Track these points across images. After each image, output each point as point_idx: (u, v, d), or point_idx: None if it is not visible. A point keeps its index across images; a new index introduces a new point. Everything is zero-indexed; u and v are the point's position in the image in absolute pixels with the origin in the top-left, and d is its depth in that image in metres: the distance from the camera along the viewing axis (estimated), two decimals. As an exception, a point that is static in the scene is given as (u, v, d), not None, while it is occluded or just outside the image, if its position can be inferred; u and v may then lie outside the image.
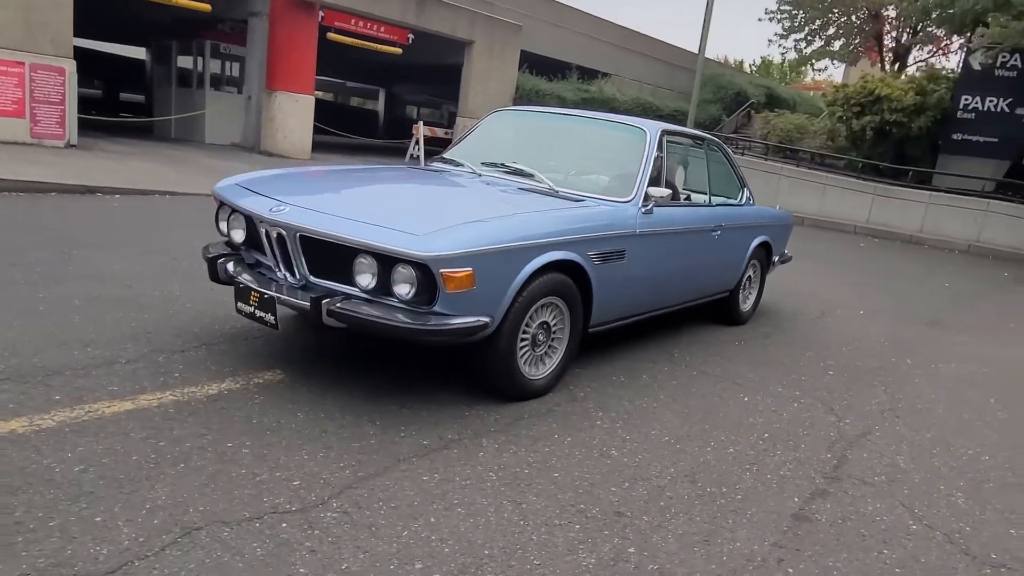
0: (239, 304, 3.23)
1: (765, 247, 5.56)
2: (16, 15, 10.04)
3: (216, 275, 3.40)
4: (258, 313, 3.14)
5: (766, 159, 17.30)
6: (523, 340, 3.31)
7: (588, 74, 21.38)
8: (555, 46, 20.37)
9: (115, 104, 24.31)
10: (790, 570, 2.32)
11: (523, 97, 18.21)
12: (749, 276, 5.47)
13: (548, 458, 2.89)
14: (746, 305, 5.54)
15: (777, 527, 2.58)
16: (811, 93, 35.63)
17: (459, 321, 2.95)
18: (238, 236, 3.51)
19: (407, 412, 3.13)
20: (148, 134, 15.63)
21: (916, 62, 24.07)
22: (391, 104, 36.38)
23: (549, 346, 3.51)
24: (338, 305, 2.94)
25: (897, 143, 15.91)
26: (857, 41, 23.45)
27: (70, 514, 2.12)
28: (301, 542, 2.13)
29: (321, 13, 14.38)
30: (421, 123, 17.34)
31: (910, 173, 15.46)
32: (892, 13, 21.84)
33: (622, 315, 4.06)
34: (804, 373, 4.52)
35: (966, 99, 15.82)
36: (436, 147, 17.89)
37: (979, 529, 2.76)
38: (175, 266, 5.13)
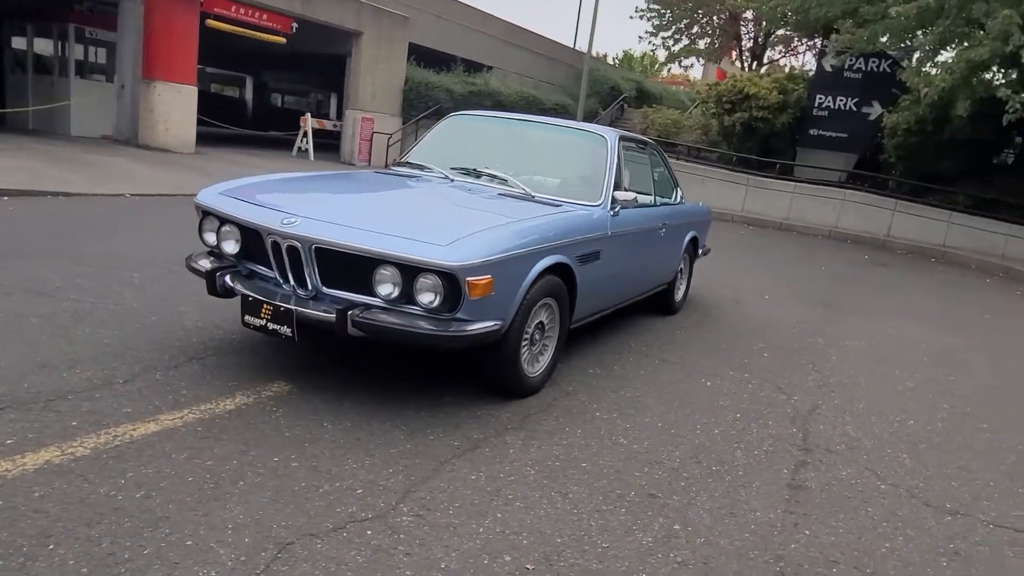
0: (247, 318, 3.20)
1: (694, 241, 6.04)
2: None
3: (214, 289, 3.34)
4: (271, 326, 3.14)
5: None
6: (524, 340, 3.50)
7: (473, 67, 21.54)
8: (440, 39, 20.38)
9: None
10: (807, 531, 2.68)
11: (412, 89, 18.13)
12: (682, 268, 5.92)
13: (570, 450, 3.11)
14: (679, 295, 6.00)
15: (780, 496, 2.94)
16: (674, 87, 37.76)
17: (477, 326, 3.10)
18: (230, 248, 3.47)
19: (425, 416, 3.24)
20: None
21: (769, 61, 26.11)
22: (260, 92, 34.87)
23: (543, 344, 3.72)
24: (362, 315, 3.01)
25: (763, 138, 17.29)
26: (720, 41, 25.07)
27: (158, 540, 2.11)
28: (393, 547, 2.23)
29: (201, -2, 13.67)
30: (309, 115, 17.03)
31: (777, 166, 16.86)
32: (750, 15, 23.52)
33: (594, 311, 4.34)
34: (745, 356, 5.00)
35: (820, 98, 17.42)
36: (324, 140, 17.54)
37: (930, 484, 3.27)
38: (114, 275, 4.87)
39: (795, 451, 3.45)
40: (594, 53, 35.34)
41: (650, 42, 26.05)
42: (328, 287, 3.18)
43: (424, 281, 3.01)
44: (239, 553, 2.10)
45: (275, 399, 3.21)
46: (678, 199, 5.77)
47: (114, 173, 9.93)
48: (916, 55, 14.97)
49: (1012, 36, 11.83)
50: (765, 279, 8.57)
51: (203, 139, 14.98)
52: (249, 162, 14.22)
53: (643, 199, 5.28)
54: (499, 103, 20.74)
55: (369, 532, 2.29)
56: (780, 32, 23.40)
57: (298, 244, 3.12)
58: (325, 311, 3.06)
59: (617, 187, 4.37)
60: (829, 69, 17.21)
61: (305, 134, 16.82)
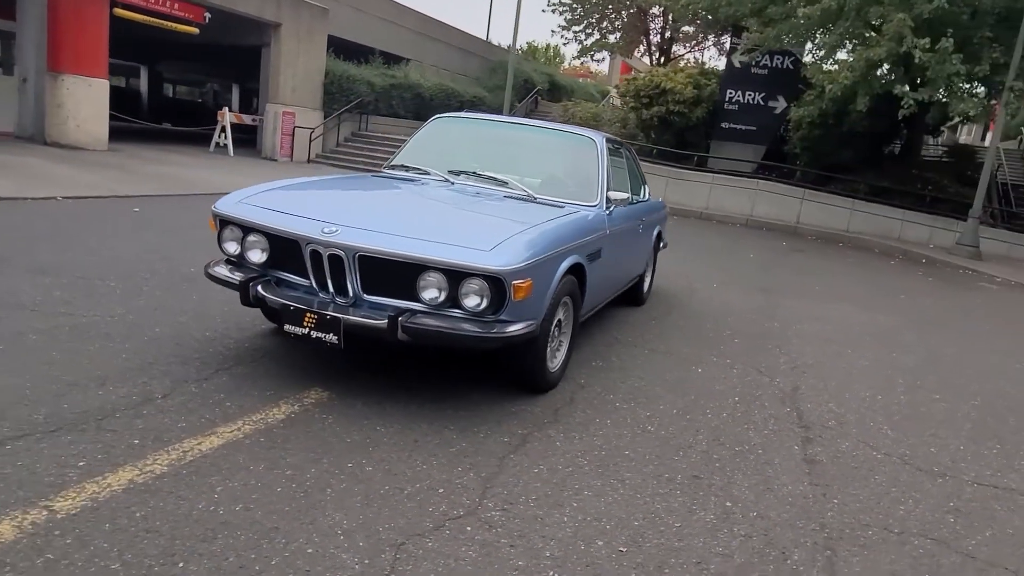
0: (288, 326, 3.22)
1: (659, 235, 6.37)
2: None
3: (247, 299, 3.33)
4: (315, 334, 3.18)
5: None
6: (549, 338, 3.67)
7: (391, 59, 21.34)
8: (358, 31, 20.06)
9: None
10: (835, 500, 3.00)
11: (333, 83, 17.79)
12: (649, 261, 6.24)
13: (609, 440, 3.32)
14: (646, 287, 6.31)
15: (801, 470, 3.26)
16: (581, 80, 38.58)
17: (517, 327, 3.25)
18: (257, 257, 3.47)
19: (466, 414, 3.37)
20: None
21: (675, 56, 27.12)
22: (156, 84, 33.14)
23: (559, 341, 3.91)
24: (411, 321, 3.11)
25: (679, 131, 18.03)
26: (629, 36, 25.83)
27: (279, 550, 2.17)
28: (496, 540, 2.38)
29: (111, -13, 12.94)
30: (227, 109, 16.45)
31: (695, 158, 17.64)
32: (657, 10, 24.34)
33: (594, 306, 4.56)
34: (720, 343, 5.36)
35: (730, 93, 18.33)
36: (243, 135, 16.94)
37: (914, 451, 3.68)
38: (91, 286, 4.69)
39: (796, 428, 3.79)
40: (504, 45, 35.63)
41: (563, 36, 26.49)
42: (367, 294, 3.25)
43: (470, 285, 3.13)
44: (360, 556, 2.19)
45: (319, 406, 3.25)
46: (646, 195, 6.07)
47: (35, 175, 9.33)
48: (819, 53, 16.02)
49: (905, 38, 12.89)
50: (704, 267, 9.06)
51: (114, 135, 14.20)
52: (170, 159, 13.63)
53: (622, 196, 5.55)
54: (419, 96, 20.71)
55: (469, 528, 2.42)
56: (687, 28, 24.35)
57: (341, 253, 3.17)
58: (375, 318, 3.13)
59: (609, 187, 4.60)
60: (738, 65, 18.12)
61: (223, 129, 16.22)
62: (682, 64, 24.01)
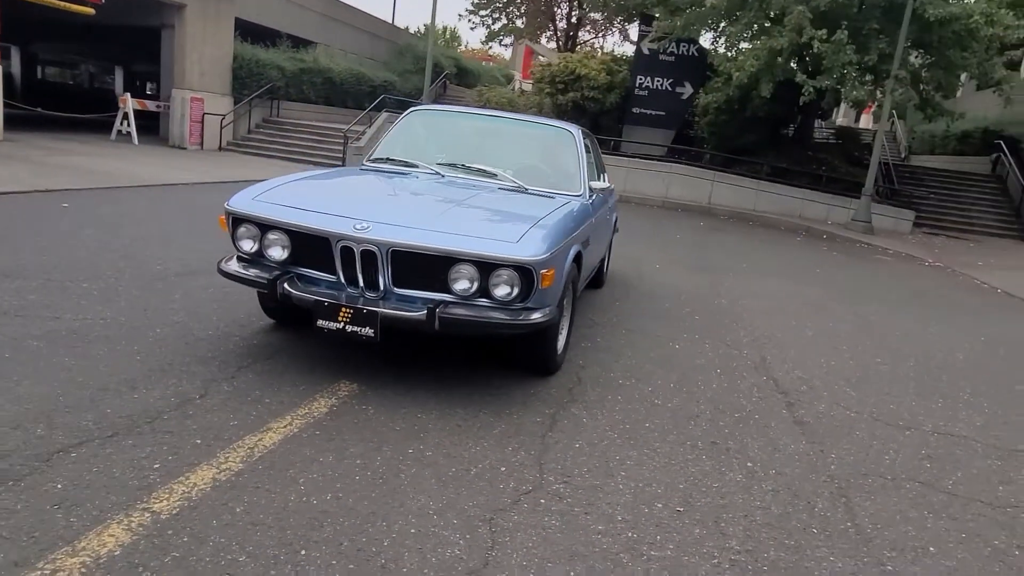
0: (322, 321, 3.28)
1: (616, 220, 6.69)
2: None
3: (275, 296, 3.36)
4: (350, 328, 3.26)
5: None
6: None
7: (298, 43, 20.76)
8: (265, 13, 19.38)
9: None
10: (832, 455, 3.39)
11: (243, 67, 17.15)
12: (609, 245, 6.56)
13: (627, 415, 3.58)
14: (605, 269, 6.63)
15: (795, 431, 3.64)
16: (485, 64, 38.67)
17: (540, 313, 3.44)
18: (278, 254, 3.49)
19: (492, 398, 3.54)
20: None
21: (580, 43, 27.73)
22: (29, 66, 30.70)
23: (561, 325, 4.13)
24: (446, 311, 3.25)
25: (594, 116, 18.55)
26: (535, 22, 26.17)
27: (386, 533, 2.30)
28: (570, 509, 2.59)
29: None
30: (128, 95, 15.59)
31: (611, 143, 18.20)
32: (563, -3, 24.85)
33: (580, 291, 4.81)
34: (683, 320, 5.74)
35: (640, 79, 19.00)
36: (143, 121, 16.08)
37: (879, 408, 4.15)
38: (64, 288, 4.51)
39: (777, 395, 4.19)
40: (411, 29, 35.23)
41: (470, 20, 26.52)
42: (397, 287, 3.36)
43: (501, 276, 3.30)
44: (460, 533, 2.35)
45: (355, 398, 3.34)
46: (606, 182, 6.35)
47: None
48: (723, 42, 16.87)
49: (805, 29, 13.82)
50: (640, 249, 9.50)
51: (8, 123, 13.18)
52: (73, 149, 12.81)
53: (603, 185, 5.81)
54: (330, 80, 20.30)
55: (543, 501, 2.62)
56: (595, 15, 24.92)
57: (375, 248, 3.26)
58: (411, 310, 3.24)
59: (589, 177, 4.84)
60: (646, 52, 18.80)
61: (125, 116, 15.35)
62: (586, 50, 24.61)
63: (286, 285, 3.37)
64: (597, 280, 6.37)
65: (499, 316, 3.32)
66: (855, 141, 20.73)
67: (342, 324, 3.26)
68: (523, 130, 5.16)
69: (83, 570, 1.95)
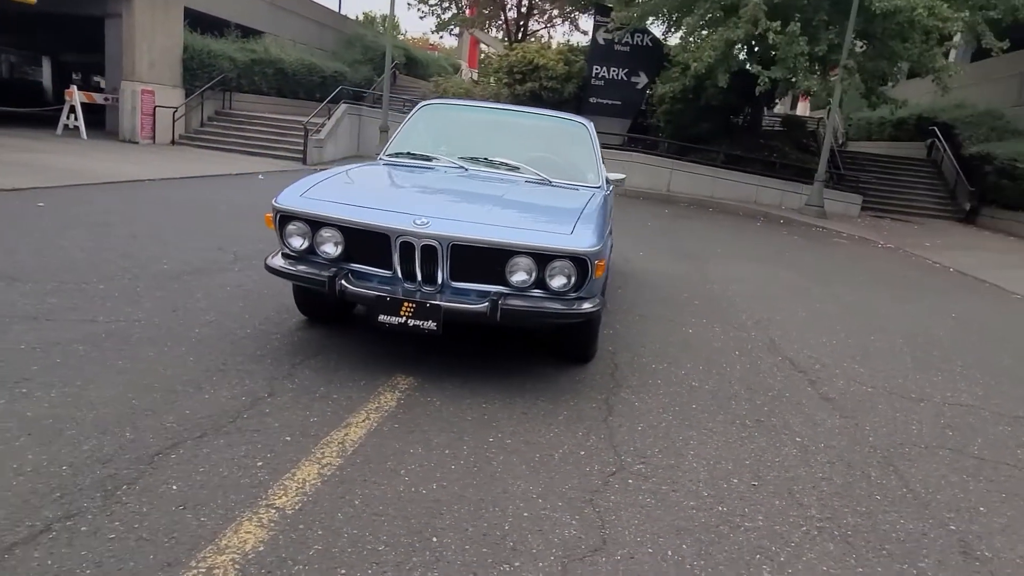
0: (382, 317, 3.31)
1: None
2: None
3: (334, 293, 3.38)
4: (412, 323, 3.30)
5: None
6: (596, 311, 4.02)
7: (247, 32, 20.22)
8: (214, 2, 18.77)
9: None
10: (866, 428, 3.62)
11: (193, 58, 16.64)
12: (605, 235, 6.70)
13: (672, 397, 3.74)
14: (602, 259, 6.78)
15: (826, 407, 3.87)
16: (433, 54, 38.37)
17: (591, 303, 3.56)
18: (331, 250, 3.51)
19: (544, 386, 3.65)
20: None
21: (530, 32, 27.81)
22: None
23: (596, 313, 4.26)
24: (506, 303, 3.33)
25: (553, 106, 18.68)
26: (485, 11, 26.12)
27: (500, 517, 2.39)
28: (658, 487, 2.73)
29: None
30: (75, 88, 14.98)
31: (571, 132, 18.40)
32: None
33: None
34: (685, 305, 5.95)
35: (596, 69, 19.24)
36: (92, 115, 15.46)
37: (890, 383, 4.43)
38: (80, 291, 4.40)
39: (797, 373, 4.42)
40: (357, 16, 34.59)
41: (419, 9, 26.27)
42: (453, 280, 3.43)
43: (558, 267, 3.40)
44: (570, 514, 2.46)
45: (417, 391, 3.40)
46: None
47: None
48: (679, 32, 17.22)
49: (760, 21, 14.25)
50: (618, 237, 9.68)
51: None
52: (22, 145, 12.26)
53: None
54: (282, 71, 19.90)
55: (631, 481, 2.75)
56: (546, 5, 25.02)
57: (435, 243, 3.32)
58: (473, 303, 3.32)
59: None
60: (602, 42, 19.04)
61: (72, 109, 14.74)
62: (538, 41, 24.73)
63: (343, 282, 3.39)
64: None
65: (555, 306, 3.43)
66: (801, 128, 21.48)
67: (404, 319, 3.31)
68: (536, 123, 5.25)
69: (236, 567, 1.99)
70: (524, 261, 3.37)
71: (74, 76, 20.75)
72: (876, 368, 4.70)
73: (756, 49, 15.95)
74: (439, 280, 3.40)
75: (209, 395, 3.08)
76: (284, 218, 3.57)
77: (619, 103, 19.28)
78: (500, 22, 27.13)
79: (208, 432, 2.73)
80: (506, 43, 24.73)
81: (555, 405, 3.42)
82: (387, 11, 56.06)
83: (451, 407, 3.25)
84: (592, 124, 5.17)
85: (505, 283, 3.41)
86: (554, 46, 19.78)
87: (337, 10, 28.01)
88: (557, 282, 3.42)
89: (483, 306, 3.29)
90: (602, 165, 4.90)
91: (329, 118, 16.96)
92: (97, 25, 16.22)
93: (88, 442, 2.56)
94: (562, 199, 4.11)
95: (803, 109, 37.66)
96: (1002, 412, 4.08)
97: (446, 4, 25.67)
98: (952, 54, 18.41)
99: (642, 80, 19.11)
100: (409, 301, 3.30)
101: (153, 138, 15.68)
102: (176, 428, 2.74)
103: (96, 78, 20.94)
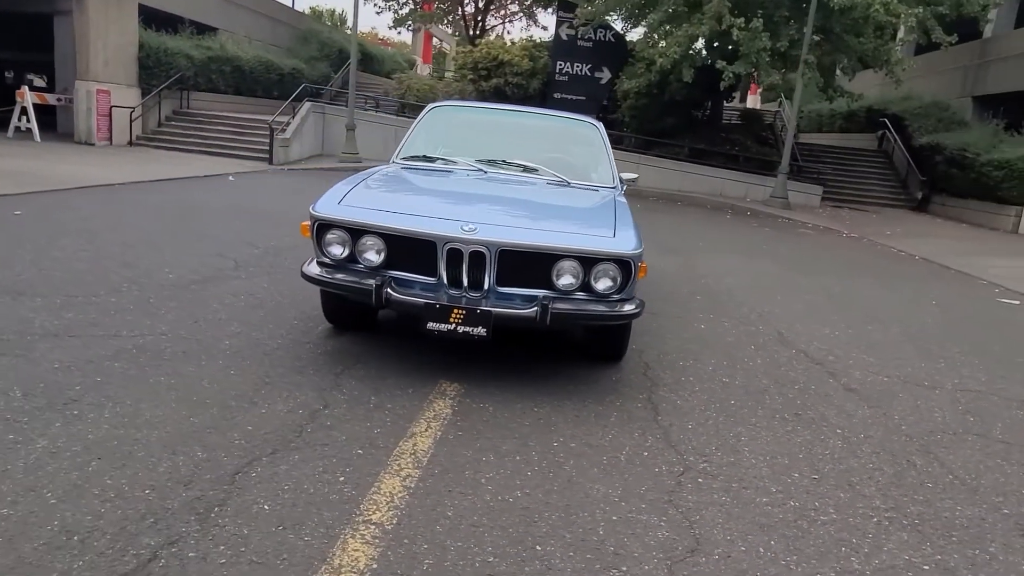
0: (431, 324, 3.30)
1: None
2: None
3: (381, 301, 3.35)
4: (462, 329, 3.30)
5: (404, 115, 18.46)
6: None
7: (201, 29, 19.69)
8: (166, -2, 18.23)
9: None
10: (895, 417, 3.76)
11: (149, 56, 16.12)
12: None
13: (709, 393, 3.82)
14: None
15: (851, 398, 4.00)
16: (388, 50, 37.99)
17: (632, 304, 3.60)
18: (374, 258, 3.48)
19: (585, 388, 3.69)
20: None
21: (490, 27, 27.78)
22: None
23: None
24: (554, 307, 3.35)
25: (518, 102, 18.69)
26: (443, 7, 25.96)
27: (594, 521, 2.42)
28: (728, 484, 2.79)
29: None
30: (27, 88, 14.38)
31: (538, 128, 18.45)
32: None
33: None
34: (689, 301, 6.06)
35: (560, 64, 19.31)
36: (43, 116, 14.88)
37: (902, 371, 4.59)
38: (92, 304, 4.27)
39: (814, 365, 4.55)
40: (302, 9, 33.98)
41: (376, 4, 25.97)
42: (498, 286, 3.43)
43: (603, 269, 3.43)
44: (656, 515, 2.50)
45: (467, 397, 3.40)
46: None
47: None
48: (642, 28, 17.41)
49: (724, 17, 14.51)
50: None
51: None
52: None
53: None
54: (239, 69, 19.45)
55: (700, 480, 2.81)
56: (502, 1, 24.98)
57: (484, 249, 3.31)
58: (521, 308, 3.33)
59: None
60: (565, 38, 19.12)
61: (24, 111, 14.15)
62: (497, 36, 24.73)
63: (389, 290, 3.36)
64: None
65: (599, 309, 3.46)
66: (759, 122, 21.96)
67: (453, 326, 3.30)
68: (547, 124, 5.27)
69: (356, 586, 1.97)
70: (571, 265, 3.40)
71: (27, 77, 19.84)
72: (884, 358, 4.87)
73: (716, 45, 16.24)
74: (485, 286, 3.40)
75: (265, 410, 3.02)
76: (322, 226, 3.52)
77: (583, 98, 19.36)
78: (457, 17, 26.98)
79: (279, 448, 2.69)
80: (458, 37, 24.66)
81: (603, 406, 3.46)
82: (335, 6, 54.98)
83: (505, 412, 3.26)
84: (602, 125, 5.20)
85: (550, 287, 3.43)
86: (513, 41, 19.73)
87: (290, 5, 27.45)
88: (602, 285, 3.46)
89: (532, 311, 3.31)
90: (615, 165, 4.94)
91: (293, 117, 16.64)
92: (44, 23, 15.61)
93: (162, 463, 2.49)
94: (589, 201, 4.14)
95: (752, 102, 38.48)
96: (1010, 397, 4.28)
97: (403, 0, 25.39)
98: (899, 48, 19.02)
99: (605, 75, 19.27)
100: (459, 308, 3.29)
101: (110, 139, 15.16)
102: (245, 445, 2.69)
103: (31, 76, 20.13)
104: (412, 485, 2.53)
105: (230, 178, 12.14)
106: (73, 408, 2.85)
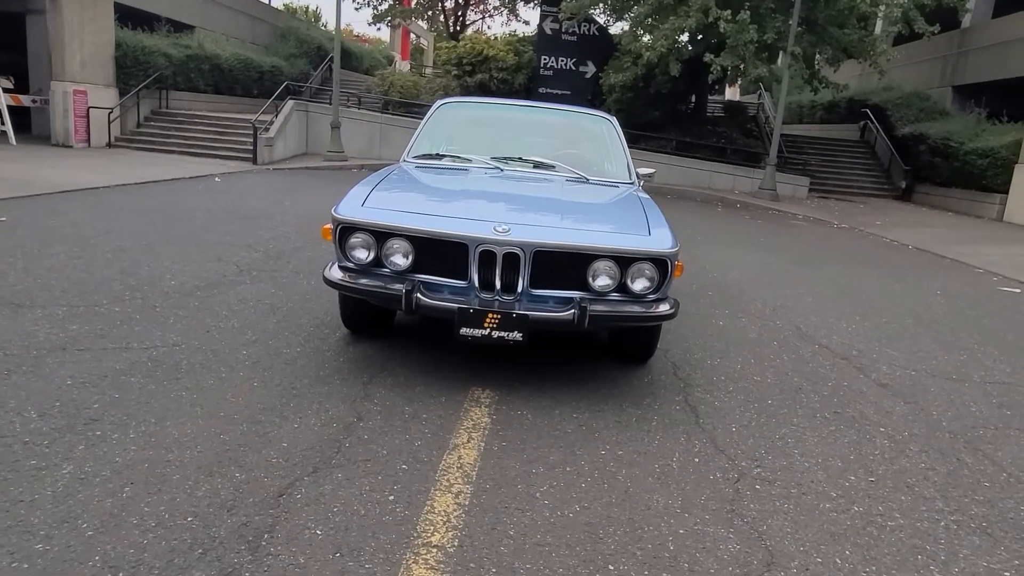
0: (464, 330, 3.17)
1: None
2: None
3: (411, 307, 3.20)
4: (496, 334, 3.17)
5: (388, 112, 18.25)
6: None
7: (178, 27, 19.30)
8: (142, -5, 17.82)
9: None
10: (933, 412, 3.69)
11: (127, 55, 15.73)
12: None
13: (744, 394, 3.72)
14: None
15: (882, 392, 3.92)
16: (366, 46, 37.59)
17: (667, 304, 3.49)
18: (401, 262, 3.33)
19: (618, 391, 3.58)
20: None
21: (470, 23, 27.55)
22: None
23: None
24: (592, 309, 3.23)
25: (503, 98, 18.56)
26: (423, 3, 25.70)
27: (659, 536, 2.31)
28: (787, 491, 2.70)
29: None
30: (1, 90, 13.96)
31: (525, 123, 18.32)
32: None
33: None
34: (702, 296, 5.97)
35: (544, 59, 19.18)
36: (18, 118, 14.46)
37: (924, 364, 4.54)
38: (97, 314, 4.08)
39: (838, 359, 4.48)
40: (293, 9, 33.51)
41: (355, 0, 25.63)
42: (532, 288, 3.30)
43: (640, 269, 3.32)
44: (721, 526, 2.40)
45: (503, 404, 3.27)
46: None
47: None
48: (627, 21, 17.34)
49: (711, 10, 14.48)
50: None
51: None
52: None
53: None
54: (218, 67, 19.11)
55: (758, 486, 2.71)
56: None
57: (519, 250, 3.19)
58: (558, 311, 3.21)
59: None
60: (549, 32, 19.00)
61: (0, 113, 13.75)
62: (479, 32, 24.52)
63: (419, 295, 3.22)
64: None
65: (636, 309, 3.35)
66: (743, 114, 22.00)
67: (488, 331, 3.17)
68: (559, 119, 5.14)
69: (431, 617, 1.84)
70: (607, 265, 3.28)
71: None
72: (905, 351, 4.81)
73: (700, 37, 16.21)
74: (519, 288, 3.27)
75: (298, 424, 2.87)
76: (345, 229, 3.37)
77: (568, 92, 19.23)
78: (437, 12, 26.72)
79: (320, 466, 2.55)
80: (435, 33, 24.42)
81: (641, 410, 3.35)
82: (308, 3, 54.45)
83: (544, 420, 3.14)
84: (615, 119, 5.09)
85: (585, 288, 3.31)
86: (496, 36, 19.57)
87: (267, 2, 27.02)
88: (639, 284, 3.34)
89: (570, 313, 3.19)
90: (631, 160, 4.83)
91: (277, 115, 16.35)
92: (13, 22, 15.17)
93: (200, 487, 2.34)
94: (614, 198, 4.04)
95: (731, 94, 38.63)
96: (1038, 388, 4.24)
97: (382, -4, 25.08)
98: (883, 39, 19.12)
99: (590, 69, 19.17)
100: (494, 312, 3.16)
101: (88, 141, 14.78)
102: (283, 463, 2.54)
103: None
104: (466, 502, 2.40)
105: (216, 179, 11.87)
106: (95, 428, 2.69)
